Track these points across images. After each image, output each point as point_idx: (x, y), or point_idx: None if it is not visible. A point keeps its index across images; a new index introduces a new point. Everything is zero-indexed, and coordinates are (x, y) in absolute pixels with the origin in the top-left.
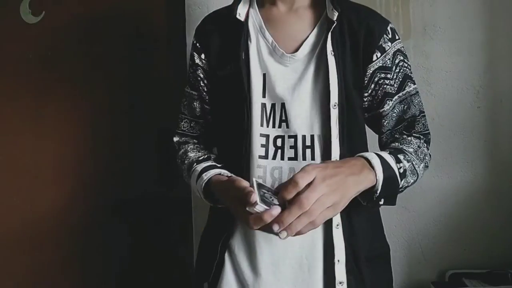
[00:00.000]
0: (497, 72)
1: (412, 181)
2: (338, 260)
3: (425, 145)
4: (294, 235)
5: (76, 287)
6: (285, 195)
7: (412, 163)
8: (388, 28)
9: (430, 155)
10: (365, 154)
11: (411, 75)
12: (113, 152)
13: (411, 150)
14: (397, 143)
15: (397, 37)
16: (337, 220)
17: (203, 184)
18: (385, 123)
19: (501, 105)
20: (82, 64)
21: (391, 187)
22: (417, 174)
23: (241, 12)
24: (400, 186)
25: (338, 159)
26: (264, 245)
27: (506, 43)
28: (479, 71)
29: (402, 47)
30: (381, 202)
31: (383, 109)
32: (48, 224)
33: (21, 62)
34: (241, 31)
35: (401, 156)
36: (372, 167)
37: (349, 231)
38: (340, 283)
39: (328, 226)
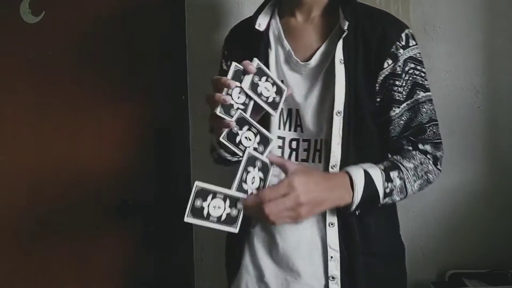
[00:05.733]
0: (497, 72)
1: (398, 199)
2: (332, 257)
3: (431, 161)
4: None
5: (77, 286)
6: (246, 201)
7: (405, 181)
8: (403, 35)
9: (439, 170)
10: (353, 171)
11: (423, 82)
12: (114, 152)
13: (411, 165)
14: (399, 156)
15: (411, 44)
16: (331, 219)
17: None
18: (391, 129)
19: (501, 105)
20: (82, 64)
21: (370, 205)
22: (406, 192)
23: (261, 22)
24: (382, 203)
25: (338, 164)
26: (279, 237)
27: (506, 43)
28: (479, 71)
29: (418, 53)
30: (357, 213)
31: (388, 115)
32: (49, 224)
33: (21, 62)
34: (261, 41)
35: (394, 173)
36: (353, 187)
37: (345, 231)
38: (333, 278)
39: (324, 224)
